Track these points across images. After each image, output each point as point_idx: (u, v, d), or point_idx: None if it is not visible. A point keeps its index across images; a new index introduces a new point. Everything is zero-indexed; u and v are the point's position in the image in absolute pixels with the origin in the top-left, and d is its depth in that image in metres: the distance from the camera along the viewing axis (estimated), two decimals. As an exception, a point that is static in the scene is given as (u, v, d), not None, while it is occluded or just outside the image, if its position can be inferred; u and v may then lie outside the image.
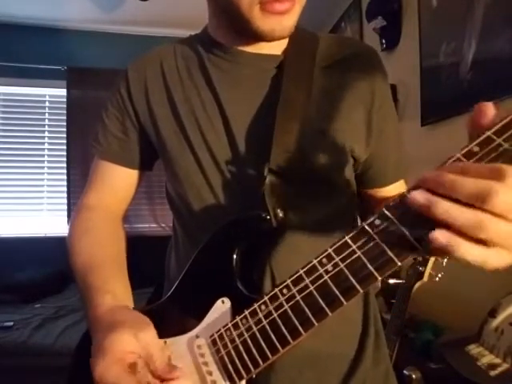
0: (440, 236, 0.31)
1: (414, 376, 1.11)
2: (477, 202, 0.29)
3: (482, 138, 0.32)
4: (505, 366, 0.90)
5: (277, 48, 0.59)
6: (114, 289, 0.51)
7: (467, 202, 0.30)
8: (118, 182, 0.66)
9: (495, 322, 0.97)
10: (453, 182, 0.30)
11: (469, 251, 0.30)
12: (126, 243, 0.64)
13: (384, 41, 1.92)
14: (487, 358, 0.94)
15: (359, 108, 0.59)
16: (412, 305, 1.24)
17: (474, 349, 0.98)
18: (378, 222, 0.36)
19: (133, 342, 0.43)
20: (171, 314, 0.47)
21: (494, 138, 0.31)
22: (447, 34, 1.47)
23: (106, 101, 0.66)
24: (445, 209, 0.30)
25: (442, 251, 0.31)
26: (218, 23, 0.60)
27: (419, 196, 0.32)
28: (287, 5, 0.50)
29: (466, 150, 0.33)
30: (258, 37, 0.53)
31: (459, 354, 0.98)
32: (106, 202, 0.65)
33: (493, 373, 0.89)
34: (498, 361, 0.92)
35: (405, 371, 1.13)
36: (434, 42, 1.55)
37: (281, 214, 0.52)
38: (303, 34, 0.62)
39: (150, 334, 0.44)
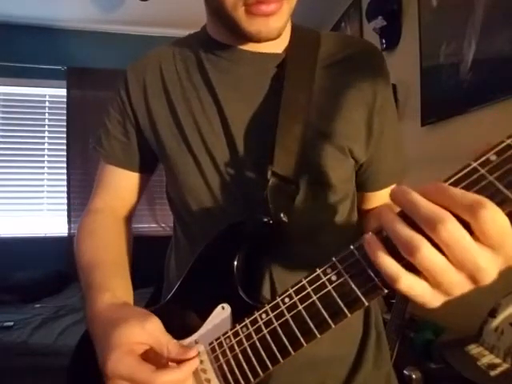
0: (384, 262, 0.32)
1: (414, 376, 1.11)
2: (426, 226, 0.30)
3: (500, 147, 0.31)
4: (505, 365, 0.90)
5: (278, 46, 0.58)
6: (114, 287, 0.51)
7: (419, 223, 0.30)
8: (122, 185, 0.66)
9: (495, 322, 0.97)
10: (413, 202, 0.31)
11: (410, 282, 0.31)
12: (131, 245, 0.64)
13: (384, 41, 1.92)
14: (487, 358, 0.94)
15: (361, 109, 0.57)
16: (412, 305, 1.23)
17: (473, 349, 0.98)
18: (385, 233, 0.35)
19: (140, 332, 0.42)
20: (170, 318, 0.47)
21: None
22: (447, 34, 1.47)
23: (107, 104, 0.66)
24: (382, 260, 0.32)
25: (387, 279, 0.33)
26: (214, 23, 0.59)
27: (370, 241, 0.34)
28: (273, 6, 0.48)
29: (483, 158, 0.31)
30: (245, 37, 0.52)
31: (459, 354, 0.98)
32: (111, 205, 0.66)
33: (493, 373, 0.89)
34: (498, 361, 0.92)
35: (405, 371, 1.13)
36: (433, 42, 1.55)
37: (284, 219, 0.51)
38: (305, 32, 0.61)
39: (156, 323, 0.44)
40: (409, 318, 1.37)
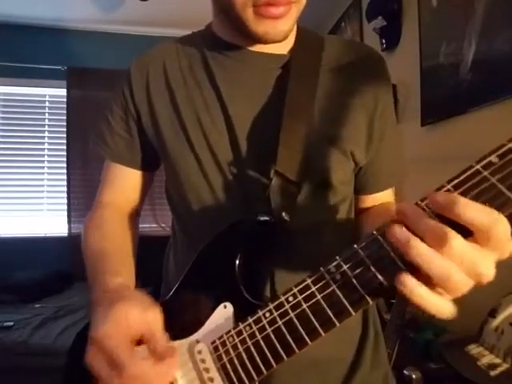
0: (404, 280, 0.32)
1: (414, 376, 1.11)
2: (435, 242, 0.30)
3: (503, 150, 0.31)
4: (505, 365, 0.90)
5: (283, 47, 0.58)
6: (124, 275, 0.52)
7: (426, 240, 0.31)
8: (127, 182, 0.67)
9: (495, 322, 0.97)
10: (418, 217, 0.32)
11: (427, 297, 0.32)
12: (136, 240, 0.65)
13: (384, 41, 1.92)
14: (487, 358, 0.94)
15: (362, 113, 0.58)
16: (412, 305, 1.23)
17: (473, 349, 0.98)
18: None
19: (139, 317, 0.42)
20: (170, 318, 0.46)
21: None
22: (447, 34, 1.47)
23: (111, 100, 0.66)
24: (420, 251, 0.31)
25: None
26: (221, 22, 0.59)
27: (399, 232, 0.32)
28: (282, 9, 0.49)
29: (486, 161, 0.31)
30: (252, 38, 0.53)
31: (459, 354, 0.98)
32: (117, 201, 0.66)
33: (493, 373, 0.89)
34: (498, 361, 0.92)
35: (405, 371, 1.13)
36: (434, 42, 1.55)
37: (286, 218, 0.52)
38: (309, 35, 0.61)
39: (157, 315, 0.44)
40: (409, 318, 1.37)
